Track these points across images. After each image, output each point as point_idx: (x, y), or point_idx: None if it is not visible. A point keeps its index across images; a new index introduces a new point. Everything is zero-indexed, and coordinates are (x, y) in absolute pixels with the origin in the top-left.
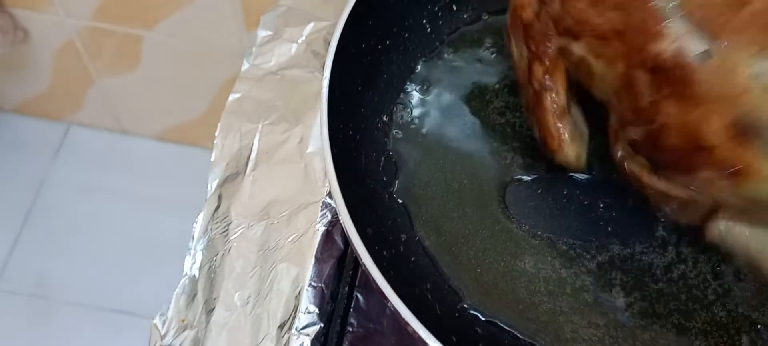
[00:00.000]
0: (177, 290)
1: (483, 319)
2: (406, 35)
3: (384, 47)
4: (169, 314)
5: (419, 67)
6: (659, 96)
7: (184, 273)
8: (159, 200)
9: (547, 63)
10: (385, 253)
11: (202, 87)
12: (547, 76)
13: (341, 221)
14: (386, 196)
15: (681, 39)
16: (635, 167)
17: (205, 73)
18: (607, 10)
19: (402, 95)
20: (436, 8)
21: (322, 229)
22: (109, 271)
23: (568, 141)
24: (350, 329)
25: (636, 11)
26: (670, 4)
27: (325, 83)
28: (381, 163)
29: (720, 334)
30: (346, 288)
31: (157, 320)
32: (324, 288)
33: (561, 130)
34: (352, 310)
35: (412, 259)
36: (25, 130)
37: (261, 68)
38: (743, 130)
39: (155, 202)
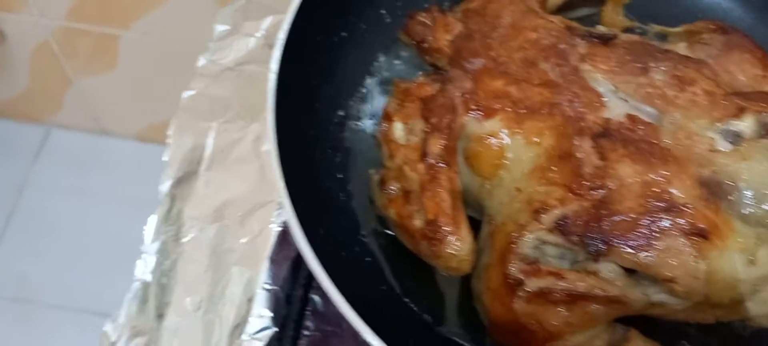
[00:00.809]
0: (128, 295)
1: (435, 325)
2: (364, 26)
3: (340, 40)
4: (121, 320)
5: (379, 60)
6: (610, 159)
7: (135, 278)
8: (141, 201)
9: (448, 139)
10: (343, 253)
11: (181, 85)
12: (445, 152)
13: (288, 221)
14: (343, 194)
15: (624, 109)
16: (545, 278)
17: (184, 71)
18: (533, 87)
19: (361, 89)
20: None
21: (277, 229)
22: (91, 273)
23: (465, 229)
24: (306, 333)
25: (569, 87)
26: (609, 86)
27: (273, 78)
28: (338, 160)
29: None
30: (302, 290)
31: (107, 327)
32: (278, 291)
33: (458, 213)
34: (308, 313)
35: (368, 259)
36: (4, 133)
37: (218, 64)
38: (713, 191)
39: (137, 202)
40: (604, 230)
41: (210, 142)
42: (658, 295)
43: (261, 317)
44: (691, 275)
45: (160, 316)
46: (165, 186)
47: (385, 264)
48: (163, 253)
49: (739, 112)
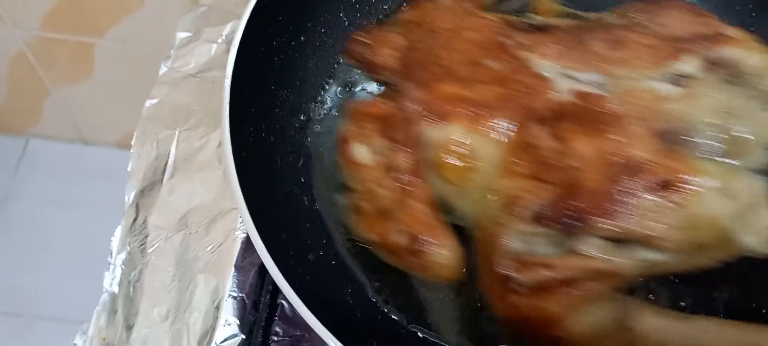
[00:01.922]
0: (97, 307)
1: (405, 323)
2: (323, 30)
3: (298, 44)
4: (90, 332)
5: (340, 63)
6: (567, 139)
7: (104, 289)
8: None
9: (413, 151)
10: (310, 256)
11: None
12: (413, 166)
13: (246, 226)
14: (305, 198)
15: (571, 87)
16: (535, 270)
17: None
18: (484, 86)
19: (322, 93)
20: (353, 0)
21: (242, 236)
22: (79, 282)
23: (449, 237)
24: (275, 339)
25: (516, 77)
26: (548, 66)
27: (227, 84)
28: (300, 164)
29: None
30: (269, 296)
31: (77, 339)
32: (245, 298)
33: (438, 223)
34: (276, 318)
35: (333, 262)
36: None
37: (179, 71)
38: (670, 139)
39: (121, 209)
40: (579, 209)
41: (173, 150)
42: (647, 254)
43: (228, 325)
44: (670, 226)
45: (129, 327)
46: (129, 196)
47: (353, 265)
48: (129, 264)
49: (677, 53)
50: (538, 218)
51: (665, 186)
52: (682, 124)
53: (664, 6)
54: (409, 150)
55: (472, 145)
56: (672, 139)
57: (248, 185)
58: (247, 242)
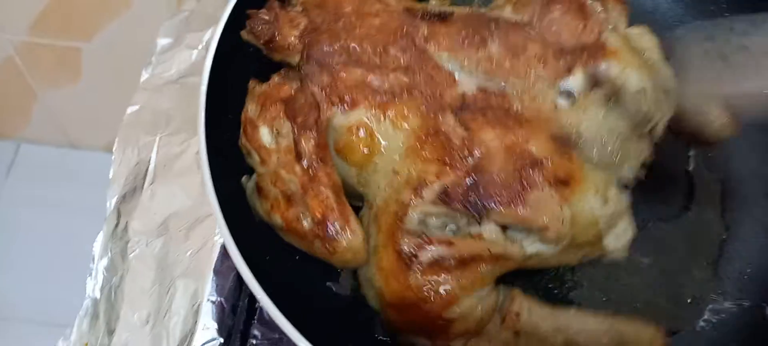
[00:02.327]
0: (80, 312)
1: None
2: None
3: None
4: (72, 337)
5: None
6: (473, 129)
7: (86, 295)
8: None
9: (318, 135)
10: (287, 260)
11: None
12: (318, 149)
13: (221, 232)
14: None
15: (475, 82)
16: (436, 248)
17: None
18: (390, 73)
19: None
20: None
21: (221, 240)
22: (66, 286)
23: (354, 221)
24: (253, 342)
25: (422, 68)
26: (455, 64)
27: (203, 90)
28: None
29: None
30: (246, 300)
31: (60, 343)
32: (223, 302)
33: (344, 207)
34: (255, 322)
35: (311, 264)
36: None
37: (161, 77)
38: (564, 143)
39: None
40: (482, 194)
41: (153, 156)
42: (532, 246)
43: (207, 329)
44: (559, 220)
45: (110, 332)
46: (111, 202)
47: (329, 266)
48: (111, 269)
49: (568, 71)
50: (445, 200)
51: (560, 182)
52: (573, 133)
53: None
54: (314, 134)
55: (379, 131)
56: (566, 143)
57: (224, 191)
58: (226, 248)
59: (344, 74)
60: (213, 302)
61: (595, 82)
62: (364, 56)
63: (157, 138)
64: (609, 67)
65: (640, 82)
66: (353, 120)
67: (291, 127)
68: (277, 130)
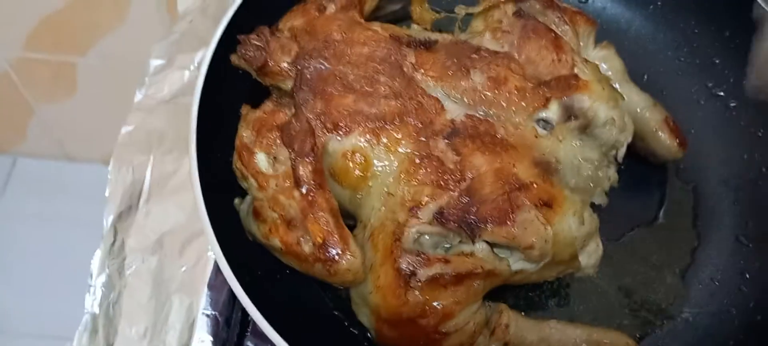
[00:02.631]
0: (79, 328)
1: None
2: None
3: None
4: None
5: None
6: (464, 154)
7: (85, 310)
8: None
9: (315, 161)
10: (278, 275)
11: None
12: (315, 175)
13: (212, 249)
14: None
15: (462, 110)
16: (433, 266)
17: None
18: (381, 100)
19: None
20: None
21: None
22: (64, 300)
23: (353, 243)
24: None
25: (411, 96)
26: (441, 92)
27: (194, 111)
28: None
29: None
30: (240, 313)
31: None
32: (217, 316)
33: (343, 230)
34: (248, 334)
35: (300, 279)
36: None
37: (154, 98)
38: (546, 168)
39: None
40: (476, 214)
41: (148, 175)
42: (517, 263)
43: (202, 342)
44: (543, 239)
45: (110, 345)
46: (108, 221)
47: (317, 281)
48: (108, 286)
49: (546, 102)
50: (440, 220)
51: (545, 204)
52: (553, 159)
53: (528, 29)
54: (311, 160)
55: (372, 155)
56: (547, 169)
57: (216, 209)
58: (218, 264)
59: (338, 101)
60: (208, 316)
61: (569, 113)
62: (356, 84)
63: (151, 157)
64: (580, 100)
65: (608, 113)
66: (348, 145)
67: (289, 153)
68: (274, 156)
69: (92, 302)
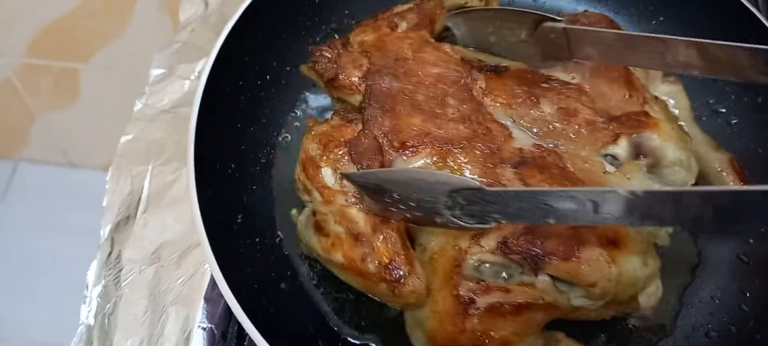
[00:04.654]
0: (74, 339)
1: None
2: (288, 68)
3: (265, 82)
4: None
5: (306, 99)
6: (531, 184)
7: (80, 321)
8: None
9: None
10: (274, 289)
11: None
12: None
13: (209, 264)
14: (270, 232)
15: (531, 139)
16: (493, 294)
17: None
18: (449, 122)
19: (285, 128)
20: (319, 39)
21: None
22: (63, 308)
23: (419, 265)
24: None
25: (480, 121)
26: (510, 119)
27: (193, 125)
28: (264, 199)
29: None
30: (236, 327)
31: None
32: (214, 329)
33: (409, 252)
34: None
35: (298, 293)
36: None
37: (153, 107)
38: None
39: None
40: (541, 247)
41: (146, 185)
42: (577, 299)
43: None
44: (606, 278)
45: None
46: (105, 231)
47: (316, 295)
48: (104, 297)
49: (616, 138)
50: (504, 249)
51: (611, 243)
52: None
53: (599, 64)
54: None
55: None
56: None
57: (213, 223)
58: (214, 278)
59: (406, 120)
60: (204, 329)
61: (638, 150)
62: (425, 104)
63: (150, 167)
64: (650, 139)
65: (677, 154)
66: (414, 166)
67: (357, 170)
68: (340, 172)
69: (88, 313)
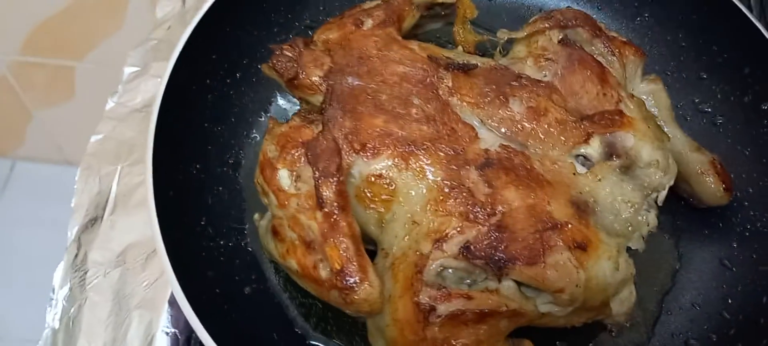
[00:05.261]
0: (40, 342)
1: None
2: (260, 66)
3: (233, 81)
4: None
5: (276, 99)
6: (497, 187)
7: (46, 325)
8: None
9: (339, 183)
10: (238, 293)
11: None
12: (339, 197)
13: (163, 265)
14: (237, 235)
15: (497, 140)
16: (455, 301)
17: None
18: (413, 123)
19: (256, 129)
20: (291, 36)
21: None
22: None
23: (372, 272)
24: None
25: (445, 121)
26: (477, 119)
27: (152, 123)
28: (232, 201)
29: None
30: None
31: None
32: (177, 334)
33: (363, 258)
34: None
35: (263, 297)
36: None
37: (126, 106)
38: (582, 208)
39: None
40: (505, 251)
41: (114, 186)
42: (545, 305)
43: None
44: (574, 283)
45: None
46: (72, 232)
47: (283, 298)
48: (70, 299)
49: (587, 138)
50: (467, 254)
51: (578, 247)
52: (590, 199)
53: (573, 59)
54: (335, 181)
55: (399, 180)
56: (584, 209)
57: (171, 224)
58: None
59: (368, 121)
60: (167, 334)
61: (611, 151)
62: (388, 104)
63: (119, 168)
64: (624, 138)
65: (653, 155)
66: (375, 168)
67: (312, 172)
68: (297, 174)
69: (53, 317)
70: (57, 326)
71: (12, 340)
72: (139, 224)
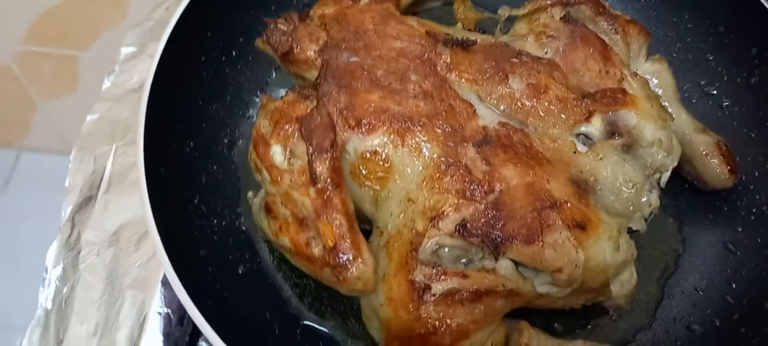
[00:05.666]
0: (32, 322)
1: (323, 333)
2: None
3: (229, 59)
4: None
5: (272, 76)
6: (495, 164)
7: (38, 305)
8: None
9: (333, 159)
10: (232, 272)
11: None
12: (333, 173)
13: (153, 243)
14: (230, 213)
15: (496, 117)
16: (450, 280)
17: None
18: (409, 99)
19: (252, 108)
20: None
21: None
22: None
23: (366, 250)
24: None
25: (443, 98)
26: (475, 95)
27: (144, 102)
28: (227, 180)
29: None
30: None
31: None
32: (170, 314)
33: (357, 235)
34: (201, 335)
35: (257, 276)
36: None
37: (122, 87)
38: (582, 187)
39: None
40: (502, 230)
41: (108, 165)
42: (543, 286)
43: (153, 341)
44: (573, 263)
45: (59, 342)
46: (66, 212)
47: (277, 278)
48: (62, 279)
49: (589, 116)
50: (463, 232)
51: (578, 226)
52: (591, 177)
53: (576, 36)
54: (329, 157)
55: (396, 157)
56: (584, 187)
57: (163, 203)
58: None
59: (363, 97)
60: (160, 314)
61: (613, 129)
62: (384, 79)
63: (114, 147)
64: (626, 117)
65: (655, 134)
66: (370, 145)
67: (306, 148)
68: (290, 150)
69: (46, 297)
70: (49, 306)
71: (17, 329)
72: (133, 203)
